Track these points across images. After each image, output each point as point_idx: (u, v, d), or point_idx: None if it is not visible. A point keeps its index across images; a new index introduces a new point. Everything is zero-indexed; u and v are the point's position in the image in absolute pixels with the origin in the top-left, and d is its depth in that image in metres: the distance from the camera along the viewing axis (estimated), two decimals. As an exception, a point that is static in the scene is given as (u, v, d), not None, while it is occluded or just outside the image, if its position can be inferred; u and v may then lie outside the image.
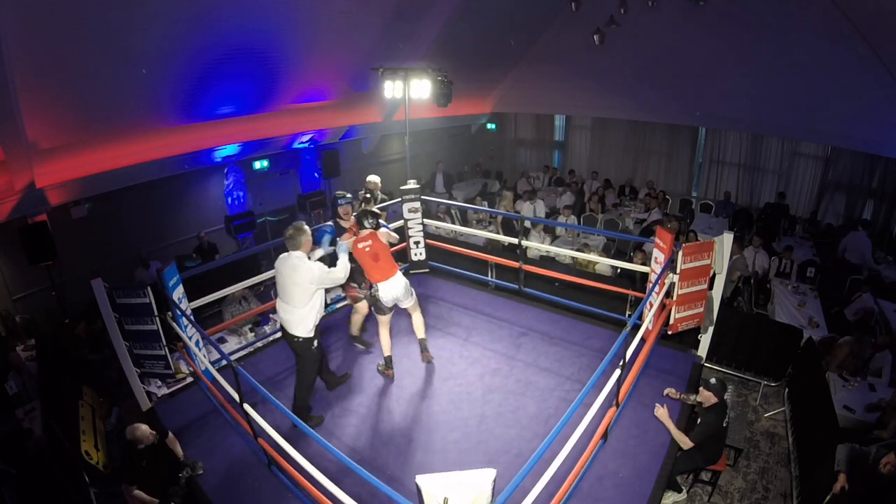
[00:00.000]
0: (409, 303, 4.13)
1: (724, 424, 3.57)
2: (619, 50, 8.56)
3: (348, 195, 4.40)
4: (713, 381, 3.57)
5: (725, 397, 3.66)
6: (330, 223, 4.28)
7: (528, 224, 7.39)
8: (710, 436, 3.52)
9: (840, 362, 5.13)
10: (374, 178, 5.36)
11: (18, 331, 5.68)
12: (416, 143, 8.86)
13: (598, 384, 3.02)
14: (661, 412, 3.56)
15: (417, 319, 4.27)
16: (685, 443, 3.45)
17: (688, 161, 10.97)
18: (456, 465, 3.31)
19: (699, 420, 3.61)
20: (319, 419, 3.80)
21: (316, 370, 3.78)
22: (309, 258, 3.52)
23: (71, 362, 5.17)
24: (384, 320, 4.14)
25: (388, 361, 4.24)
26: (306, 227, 3.51)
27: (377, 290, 3.98)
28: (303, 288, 3.40)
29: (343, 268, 3.58)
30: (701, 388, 3.59)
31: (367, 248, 3.87)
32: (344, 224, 4.33)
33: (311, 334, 3.54)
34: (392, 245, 4.20)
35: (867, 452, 3.32)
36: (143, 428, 3.24)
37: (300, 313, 3.46)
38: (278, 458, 3.07)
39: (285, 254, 3.47)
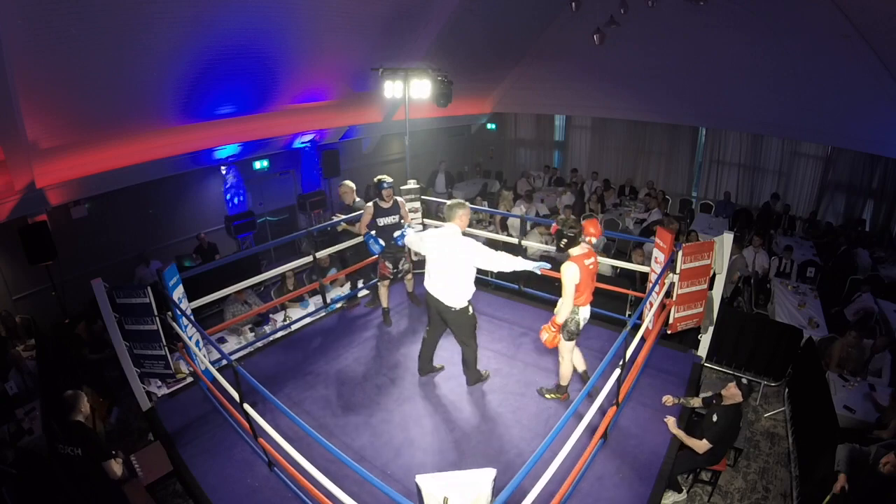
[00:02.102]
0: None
1: (740, 425, 3.56)
2: (620, 50, 8.56)
3: (390, 179, 4.67)
4: (744, 380, 3.56)
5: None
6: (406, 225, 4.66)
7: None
8: (724, 437, 3.49)
9: (838, 360, 5.14)
10: (348, 183, 5.47)
11: (18, 331, 5.68)
12: (416, 143, 8.86)
13: (597, 384, 3.03)
14: (671, 421, 3.54)
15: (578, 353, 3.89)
16: (701, 447, 3.41)
17: (688, 161, 10.97)
18: (456, 465, 3.31)
19: (715, 418, 3.52)
20: (486, 374, 4.15)
21: (475, 334, 3.91)
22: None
23: (71, 362, 5.17)
24: (571, 346, 3.67)
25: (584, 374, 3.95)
26: (467, 204, 3.78)
27: (577, 314, 3.52)
28: (458, 260, 3.55)
29: (514, 263, 3.49)
30: (731, 385, 3.51)
31: (591, 266, 3.46)
32: (383, 205, 4.65)
33: (466, 304, 3.69)
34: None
35: (867, 452, 3.32)
36: (83, 396, 3.23)
37: (455, 284, 3.60)
38: (278, 458, 3.07)
39: (439, 228, 3.71)
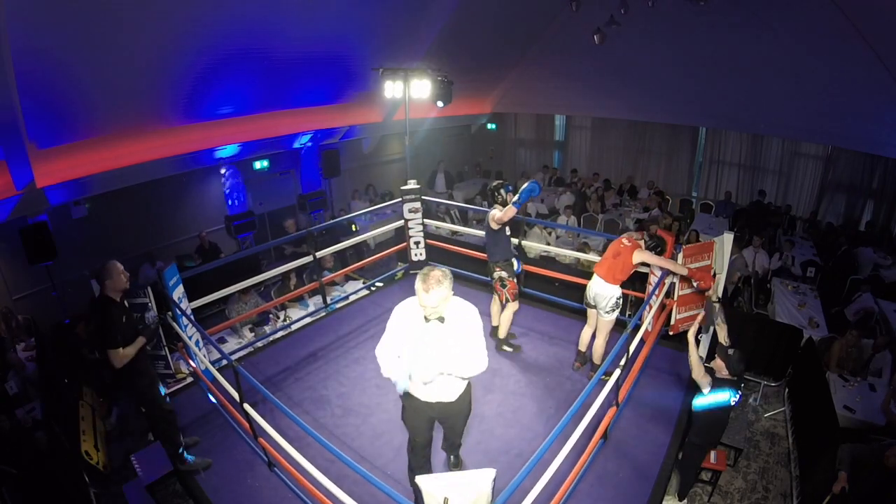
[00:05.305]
0: (604, 318, 3.90)
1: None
2: (620, 50, 8.55)
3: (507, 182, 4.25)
4: (731, 352, 3.37)
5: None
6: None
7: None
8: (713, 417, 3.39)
9: (838, 360, 5.14)
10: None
11: (19, 330, 5.68)
12: (416, 144, 8.87)
13: (597, 385, 3.02)
14: (692, 339, 3.52)
15: (600, 343, 4.03)
16: (699, 371, 3.38)
17: (688, 161, 10.97)
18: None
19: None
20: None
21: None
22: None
23: (71, 362, 5.17)
24: (589, 320, 4.17)
25: (581, 355, 4.32)
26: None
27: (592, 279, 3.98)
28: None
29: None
30: (717, 359, 3.43)
31: (620, 248, 3.83)
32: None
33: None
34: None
35: (870, 449, 3.32)
36: (116, 266, 2.98)
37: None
38: (278, 458, 3.07)
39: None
